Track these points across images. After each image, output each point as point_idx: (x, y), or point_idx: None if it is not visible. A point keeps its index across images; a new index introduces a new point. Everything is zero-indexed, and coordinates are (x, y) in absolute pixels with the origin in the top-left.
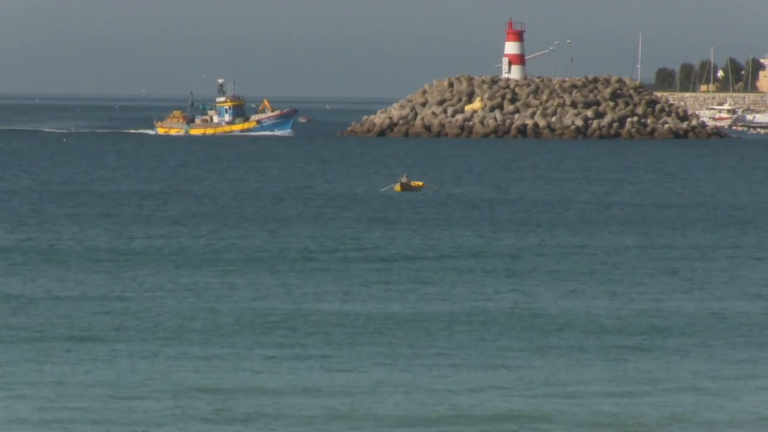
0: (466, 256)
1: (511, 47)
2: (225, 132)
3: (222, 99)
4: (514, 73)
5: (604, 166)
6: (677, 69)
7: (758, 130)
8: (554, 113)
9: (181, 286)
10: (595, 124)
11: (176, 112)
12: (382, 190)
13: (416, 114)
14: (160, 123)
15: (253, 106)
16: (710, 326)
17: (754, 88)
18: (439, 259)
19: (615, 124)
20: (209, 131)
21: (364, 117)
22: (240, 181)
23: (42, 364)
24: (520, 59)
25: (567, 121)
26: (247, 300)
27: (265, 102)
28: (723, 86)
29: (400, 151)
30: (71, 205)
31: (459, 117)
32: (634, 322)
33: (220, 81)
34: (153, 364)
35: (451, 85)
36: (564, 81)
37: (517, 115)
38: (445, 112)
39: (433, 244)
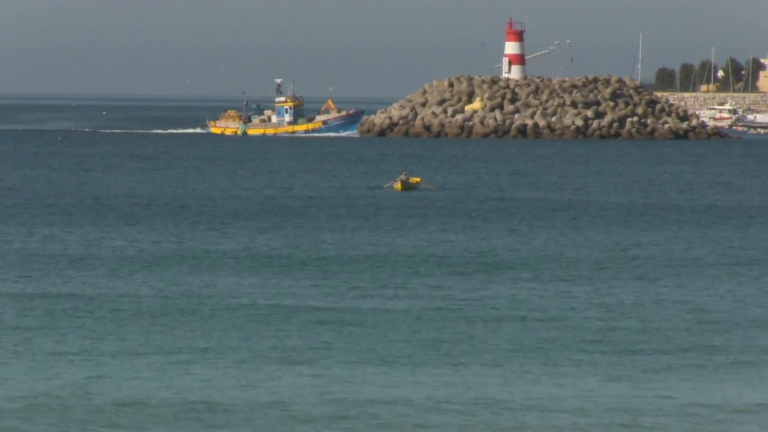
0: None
1: (511, 47)
2: (287, 132)
3: (281, 99)
4: (514, 73)
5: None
6: (677, 69)
7: (759, 130)
8: (554, 113)
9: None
10: (595, 124)
11: (231, 112)
12: (385, 186)
13: (416, 114)
14: (213, 123)
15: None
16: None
17: (754, 88)
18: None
19: (615, 124)
20: (269, 131)
21: (365, 117)
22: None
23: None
24: (520, 59)
25: (567, 121)
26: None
27: (330, 102)
28: (723, 86)
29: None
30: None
31: (459, 117)
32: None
33: (279, 81)
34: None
35: (451, 85)
36: (564, 81)
37: (517, 115)
38: (445, 112)
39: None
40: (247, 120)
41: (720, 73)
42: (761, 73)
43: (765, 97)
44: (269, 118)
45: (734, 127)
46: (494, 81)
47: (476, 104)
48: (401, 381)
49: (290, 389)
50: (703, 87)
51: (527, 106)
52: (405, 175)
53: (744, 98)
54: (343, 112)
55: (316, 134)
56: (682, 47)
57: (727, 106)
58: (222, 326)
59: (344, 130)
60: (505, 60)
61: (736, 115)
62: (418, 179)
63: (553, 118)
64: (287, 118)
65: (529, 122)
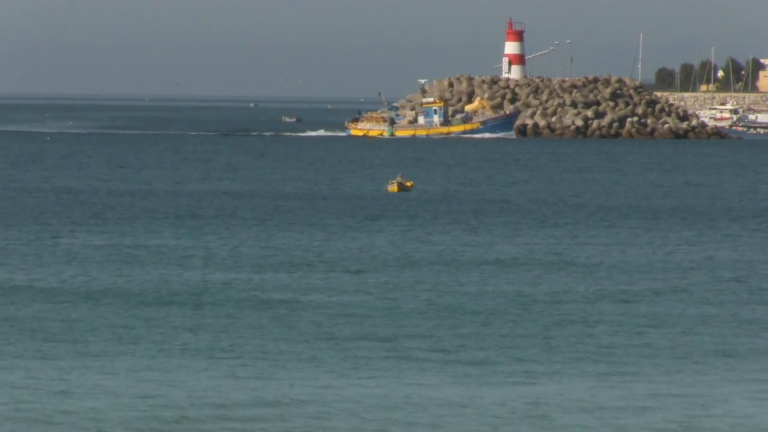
0: None
1: (511, 47)
2: (441, 134)
3: (429, 100)
4: (514, 73)
5: None
6: (677, 69)
7: (759, 130)
8: (554, 113)
9: None
10: (595, 124)
11: (372, 113)
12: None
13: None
14: (354, 125)
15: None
16: None
17: (754, 88)
18: None
19: (615, 124)
20: (420, 132)
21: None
22: None
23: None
24: (520, 59)
25: (567, 121)
26: None
27: (483, 102)
28: (723, 86)
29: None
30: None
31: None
32: None
33: (423, 81)
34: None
35: (451, 85)
36: (564, 81)
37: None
38: None
39: None
40: (393, 122)
41: (720, 73)
42: (761, 73)
43: (765, 97)
44: (415, 119)
45: (734, 128)
46: (494, 81)
47: (476, 104)
48: None
49: None
50: (703, 87)
51: (527, 106)
52: (401, 176)
53: (744, 98)
54: (501, 112)
55: (472, 135)
56: (682, 47)
57: (729, 106)
58: None
59: (501, 131)
60: (505, 60)
61: (738, 115)
62: (411, 183)
63: (553, 118)
64: (437, 119)
65: (529, 122)
